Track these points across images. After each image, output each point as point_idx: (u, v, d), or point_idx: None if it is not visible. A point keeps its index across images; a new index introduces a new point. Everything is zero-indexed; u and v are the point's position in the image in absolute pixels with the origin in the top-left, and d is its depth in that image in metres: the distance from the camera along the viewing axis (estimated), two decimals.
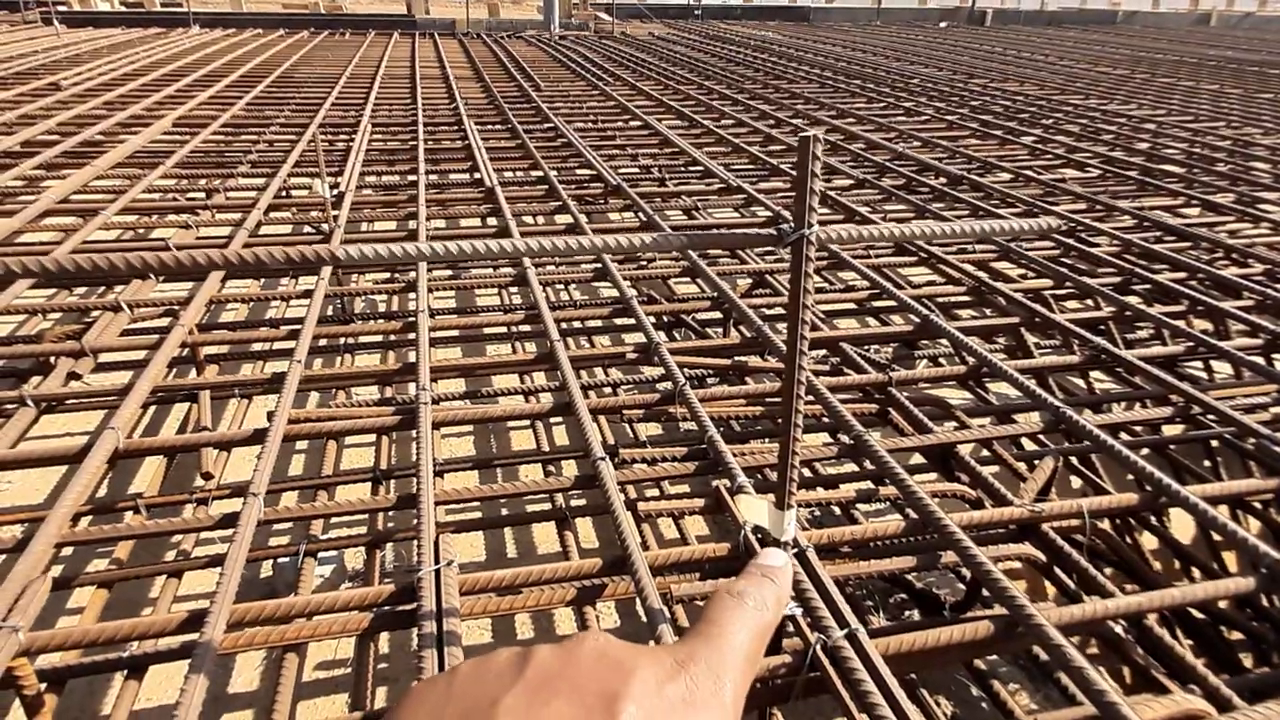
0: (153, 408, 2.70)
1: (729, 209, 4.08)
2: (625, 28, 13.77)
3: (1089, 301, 2.98)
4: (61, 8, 11.84)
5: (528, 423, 2.81)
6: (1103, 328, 2.69)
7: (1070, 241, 3.33)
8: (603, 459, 1.73)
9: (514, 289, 3.07)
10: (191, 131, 4.95)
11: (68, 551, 2.15)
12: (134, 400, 1.90)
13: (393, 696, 1.77)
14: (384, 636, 1.94)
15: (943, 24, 16.85)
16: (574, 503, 2.23)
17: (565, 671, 0.38)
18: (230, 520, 1.57)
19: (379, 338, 2.76)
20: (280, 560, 2.06)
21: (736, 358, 2.50)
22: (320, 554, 1.91)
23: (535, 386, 2.59)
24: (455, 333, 2.93)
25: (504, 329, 2.71)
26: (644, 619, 1.69)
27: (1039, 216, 3.62)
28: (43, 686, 1.37)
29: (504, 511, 2.34)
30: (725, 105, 6.42)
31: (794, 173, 4.26)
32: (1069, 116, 6.09)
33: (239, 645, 1.33)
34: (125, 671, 1.47)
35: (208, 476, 2.07)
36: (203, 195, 3.78)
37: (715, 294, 2.81)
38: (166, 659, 1.43)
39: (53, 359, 2.24)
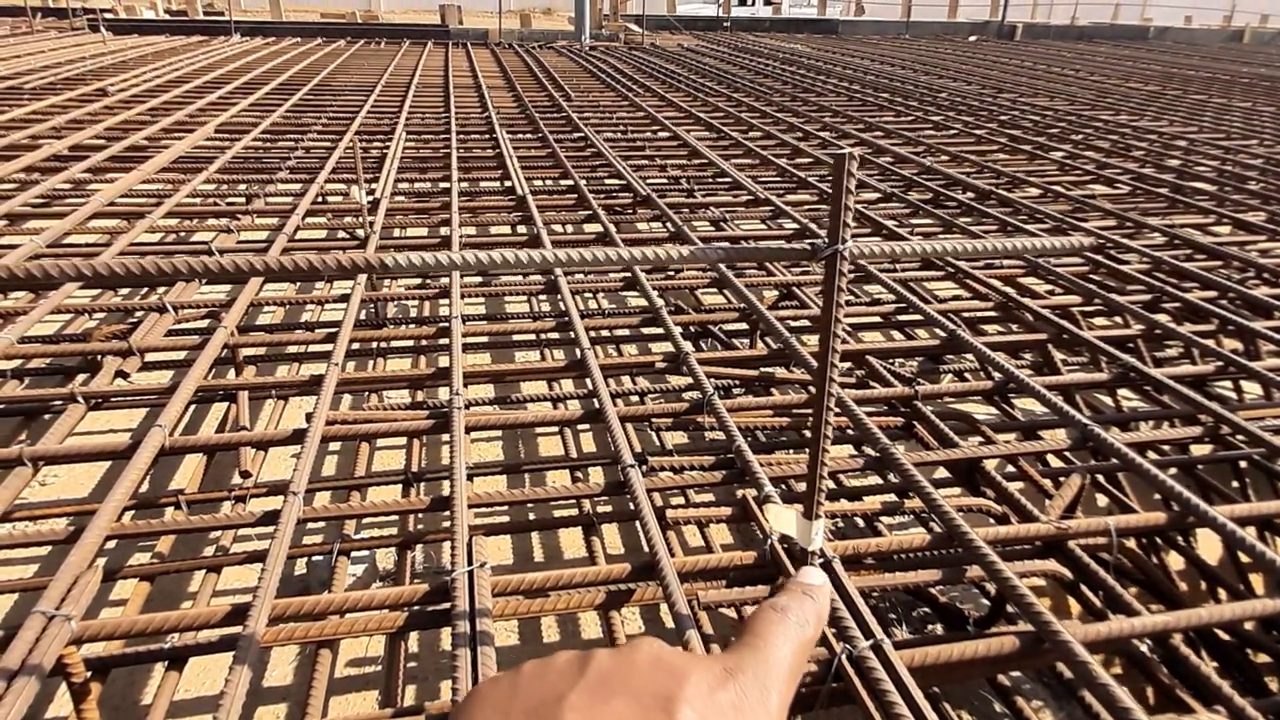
0: (193, 406, 2.77)
1: (756, 221, 4.11)
2: (655, 39, 13.86)
3: (1118, 319, 2.97)
4: (108, 15, 12.14)
5: (556, 429, 2.86)
6: (1131, 345, 2.68)
7: (1099, 258, 3.32)
8: (632, 466, 1.76)
9: (543, 296, 3.11)
10: (233, 137, 5.07)
11: (110, 545, 2.21)
12: (179, 399, 1.96)
13: (423, 694, 1.81)
14: (413, 635, 1.99)
15: (972, 38, 16.79)
16: (600, 509, 2.26)
17: (623, 673, 0.41)
18: (271, 518, 1.62)
19: (410, 342, 2.81)
20: (315, 558, 2.11)
21: (763, 369, 2.53)
22: (353, 553, 1.96)
23: (564, 393, 2.63)
24: (485, 339, 2.98)
25: (533, 336, 2.75)
26: (670, 625, 1.71)
27: (1069, 234, 3.62)
28: (88, 675, 1.43)
29: (531, 516, 2.38)
30: (753, 117, 6.45)
31: (820, 186, 4.30)
32: (1099, 132, 6.05)
33: (279, 639, 1.38)
34: (166, 663, 1.52)
35: (246, 475, 2.13)
36: (243, 200, 3.87)
37: (743, 305, 2.83)
38: (206, 651, 1.48)
39: (101, 358, 2.31)
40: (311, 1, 17.73)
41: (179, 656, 1.50)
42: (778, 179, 4.70)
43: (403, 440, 2.68)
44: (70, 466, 2.49)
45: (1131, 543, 1.82)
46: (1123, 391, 2.61)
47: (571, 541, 2.33)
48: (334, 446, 2.75)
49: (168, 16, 13.95)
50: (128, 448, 1.79)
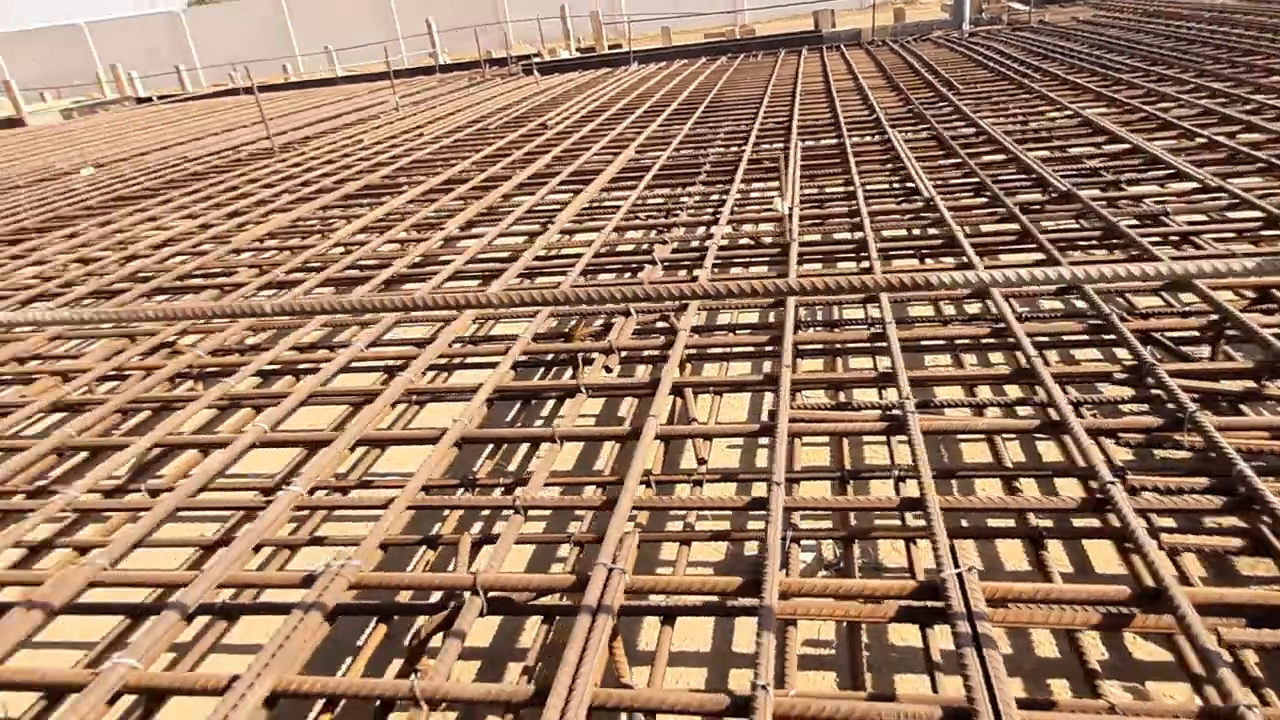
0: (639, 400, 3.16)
1: (1198, 213, 3.60)
2: (1043, 15, 12.67)
3: None
4: (536, 59, 14.23)
5: (982, 436, 2.79)
6: None
7: None
8: (1113, 483, 1.68)
9: (968, 301, 3.06)
10: (653, 155, 5.69)
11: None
12: (663, 391, 2.27)
13: (878, 684, 1.89)
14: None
15: None
16: (1042, 523, 2.16)
17: None
18: (760, 503, 1.82)
19: (820, 346, 2.93)
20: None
21: (1243, 383, 2.23)
22: (802, 541, 2.13)
23: (990, 400, 2.55)
24: (907, 343, 3.01)
25: (968, 341, 2.71)
26: (1168, 657, 1.61)
27: None
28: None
29: (963, 523, 2.35)
30: (1181, 91, 5.64)
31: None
32: None
33: (794, 614, 1.55)
34: (661, 618, 1.78)
35: (702, 461, 2.41)
36: (662, 214, 4.34)
37: (1201, 308, 2.52)
38: (691, 614, 1.74)
39: (582, 355, 2.75)
40: (694, 24, 19.17)
41: (669, 615, 1.75)
42: (1223, 161, 4.06)
43: (826, 438, 2.80)
44: (571, 445, 2.98)
45: None
46: None
47: (1011, 553, 2.27)
48: (762, 441, 2.95)
49: (579, 54, 15.94)
50: (630, 432, 2.12)
